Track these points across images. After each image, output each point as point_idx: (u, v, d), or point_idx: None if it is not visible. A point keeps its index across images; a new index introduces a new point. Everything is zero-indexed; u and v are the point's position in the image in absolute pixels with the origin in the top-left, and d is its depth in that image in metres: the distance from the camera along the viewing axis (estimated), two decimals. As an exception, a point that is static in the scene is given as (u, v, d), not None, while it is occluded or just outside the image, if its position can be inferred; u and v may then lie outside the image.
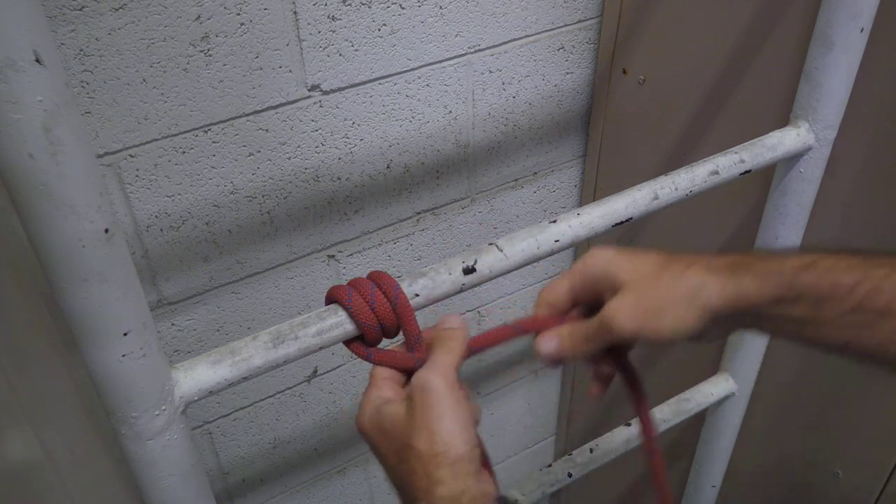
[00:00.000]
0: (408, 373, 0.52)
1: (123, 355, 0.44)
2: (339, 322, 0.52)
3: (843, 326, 0.46)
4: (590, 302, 0.53)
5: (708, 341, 0.51)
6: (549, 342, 0.53)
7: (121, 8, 0.71)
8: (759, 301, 0.47)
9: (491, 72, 0.98)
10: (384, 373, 0.52)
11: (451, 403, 0.47)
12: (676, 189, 0.65)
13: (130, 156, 0.79)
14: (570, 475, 0.89)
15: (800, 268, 0.46)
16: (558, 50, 1.03)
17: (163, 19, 0.73)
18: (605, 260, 0.51)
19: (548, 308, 0.54)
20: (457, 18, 0.91)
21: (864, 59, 0.69)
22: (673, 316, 0.48)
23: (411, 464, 0.46)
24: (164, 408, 0.48)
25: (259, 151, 0.86)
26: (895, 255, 0.45)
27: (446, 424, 0.46)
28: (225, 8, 0.76)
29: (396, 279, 0.53)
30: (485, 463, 0.50)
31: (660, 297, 0.48)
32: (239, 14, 0.77)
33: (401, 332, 0.54)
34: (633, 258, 0.50)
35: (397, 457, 0.47)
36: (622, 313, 0.49)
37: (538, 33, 0.99)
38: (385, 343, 0.54)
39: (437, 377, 0.48)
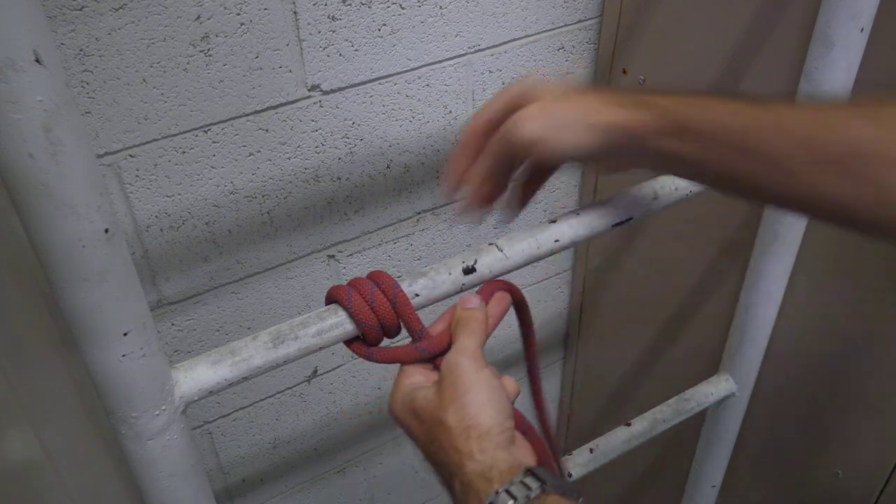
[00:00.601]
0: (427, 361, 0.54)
1: (123, 355, 0.44)
2: (339, 322, 0.52)
3: (725, 164, 0.47)
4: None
5: (608, 169, 0.54)
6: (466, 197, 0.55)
7: (121, 8, 0.71)
8: (645, 131, 0.48)
9: (491, 72, 0.98)
10: (409, 364, 0.54)
11: (477, 380, 0.49)
12: (676, 189, 0.65)
13: (130, 156, 0.79)
14: (570, 475, 0.89)
15: (691, 105, 0.47)
16: (558, 50, 1.03)
17: (163, 19, 0.73)
18: (525, 84, 0.53)
19: (474, 132, 0.55)
20: (457, 18, 0.91)
21: (864, 59, 0.69)
22: (572, 131, 0.50)
23: (442, 441, 0.47)
24: (164, 408, 0.48)
25: (259, 151, 0.86)
26: (782, 102, 0.46)
27: (473, 399, 0.48)
28: (225, 8, 0.76)
29: (396, 279, 0.53)
30: (533, 436, 0.52)
31: (562, 113, 0.50)
32: (239, 14, 0.77)
33: (401, 333, 0.54)
34: (551, 84, 0.53)
35: (429, 436, 0.48)
36: (527, 119, 0.50)
37: (538, 33, 0.99)
38: (385, 342, 0.55)
39: (464, 357, 0.50)
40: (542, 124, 0.50)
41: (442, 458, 0.47)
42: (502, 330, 1.33)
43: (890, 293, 0.81)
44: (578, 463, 0.90)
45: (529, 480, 0.44)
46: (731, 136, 0.45)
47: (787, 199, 0.47)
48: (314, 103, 0.87)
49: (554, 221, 0.61)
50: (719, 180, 0.49)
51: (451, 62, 0.94)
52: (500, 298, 0.58)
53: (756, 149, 0.45)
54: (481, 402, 0.48)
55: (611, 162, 0.54)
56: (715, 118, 0.46)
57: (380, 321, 0.52)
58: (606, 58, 1.04)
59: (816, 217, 0.49)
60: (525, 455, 0.49)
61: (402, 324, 0.53)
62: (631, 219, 0.63)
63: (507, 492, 0.43)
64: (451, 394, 0.48)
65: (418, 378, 0.53)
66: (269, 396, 1.09)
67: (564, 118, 0.50)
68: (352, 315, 0.52)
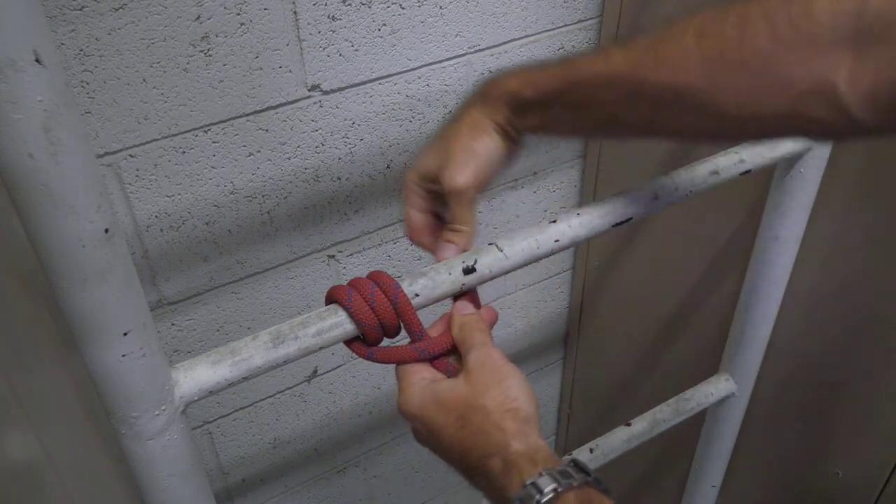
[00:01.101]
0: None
1: (123, 355, 0.44)
2: (339, 322, 0.52)
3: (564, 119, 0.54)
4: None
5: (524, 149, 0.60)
6: (450, 252, 0.58)
7: (121, 8, 0.71)
8: (530, 105, 0.54)
9: (491, 72, 0.98)
10: (412, 364, 0.54)
11: (512, 369, 0.50)
12: (676, 189, 0.65)
13: (130, 156, 0.79)
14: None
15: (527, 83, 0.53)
16: (558, 50, 1.03)
17: (163, 19, 0.73)
18: (415, 171, 0.59)
19: (414, 230, 0.62)
20: (457, 18, 0.91)
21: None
22: (481, 152, 0.56)
23: (480, 423, 0.47)
24: (164, 408, 0.48)
25: (259, 151, 0.86)
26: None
27: (513, 384, 0.49)
28: (225, 8, 0.76)
29: (396, 279, 0.53)
30: None
31: (462, 144, 0.56)
32: (239, 14, 0.77)
33: (401, 333, 0.54)
34: (426, 152, 0.58)
35: (461, 421, 0.48)
36: (454, 177, 0.55)
37: (538, 33, 0.99)
38: (385, 342, 0.55)
39: (493, 350, 0.51)
40: (470, 174, 0.55)
41: (480, 439, 0.47)
42: (502, 329, 1.33)
43: (890, 293, 0.81)
44: (578, 463, 0.90)
45: (573, 470, 0.44)
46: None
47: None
48: (314, 103, 0.87)
49: (554, 221, 0.61)
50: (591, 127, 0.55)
51: (451, 62, 0.94)
52: (488, 309, 0.58)
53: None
54: (519, 387, 0.49)
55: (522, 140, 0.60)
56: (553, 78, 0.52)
57: (380, 321, 0.52)
58: (606, 58, 1.04)
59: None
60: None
61: (402, 324, 0.53)
62: (631, 219, 0.63)
63: (551, 475, 0.43)
64: (487, 380, 0.49)
65: (429, 374, 0.53)
66: (269, 396, 1.09)
67: (466, 153, 0.56)
68: (352, 315, 0.52)
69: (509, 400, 0.48)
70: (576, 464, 0.45)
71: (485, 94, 0.57)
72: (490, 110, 0.56)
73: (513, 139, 0.58)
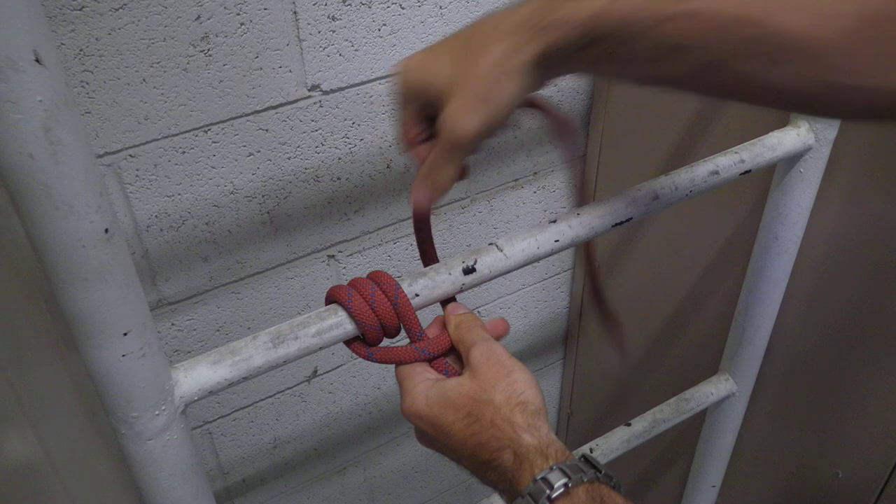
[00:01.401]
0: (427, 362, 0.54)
1: (123, 355, 0.44)
2: (339, 322, 0.52)
3: (643, 63, 0.43)
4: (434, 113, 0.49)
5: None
6: (421, 196, 0.51)
7: (121, 8, 0.71)
8: (566, 48, 0.44)
9: None
10: (413, 364, 0.54)
11: (516, 362, 0.50)
12: (676, 189, 0.65)
13: (130, 156, 0.79)
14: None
15: (603, 8, 0.42)
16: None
17: (163, 19, 0.73)
18: (416, 73, 0.48)
19: (408, 142, 0.52)
20: (457, 18, 0.91)
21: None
22: (502, 93, 0.46)
23: (490, 418, 0.47)
24: (164, 408, 0.48)
25: (259, 151, 0.86)
26: None
27: (519, 377, 0.49)
28: (225, 8, 0.76)
29: (396, 279, 0.53)
30: None
31: (480, 83, 0.45)
32: (239, 14, 0.77)
33: (401, 332, 0.54)
34: (438, 57, 0.47)
35: (470, 418, 0.48)
36: (459, 119, 0.46)
37: (538, 33, 0.99)
38: (384, 342, 0.55)
39: (495, 344, 0.51)
40: (475, 113, 0.46)
41: (491, 434, 0.47)
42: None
43: (890, 293, 0.81)
44: (578, 463, 0.90)
45: (584, 465, 0.44)
46: (648, 32, 0.41)
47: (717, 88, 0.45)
48: (314, 103, 0.87)
49: (554, 221, 0.61)
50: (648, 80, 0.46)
51: (451, 62, 0.94)
52: (501, 322, 0.58)
53: (679, 45, 0.41)
54: (526, 381, 0.49)
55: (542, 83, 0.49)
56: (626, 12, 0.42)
57: (380, 321, 0.52)
58: (606, 58, 1.04)
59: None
60: None
61: (402, 325, 0.53)
62: (631, 219, 0.63)
63: (562, 469, 0.43)
64: (494, 375, 0.49)
65: (432, 374, 0.53)
66: (269, 396, 1.09)
67: (487, 87, 0.45)
68: (352, 315, 0.52)
69: (517, 393, 0.48)
70: (587, 459, 0.45)
71: (536, 19, 0.44)
72: (535, 46, 0.44)
73: (542, 84, 0.48)
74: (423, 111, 0.50)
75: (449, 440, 0.49)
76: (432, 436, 0.51)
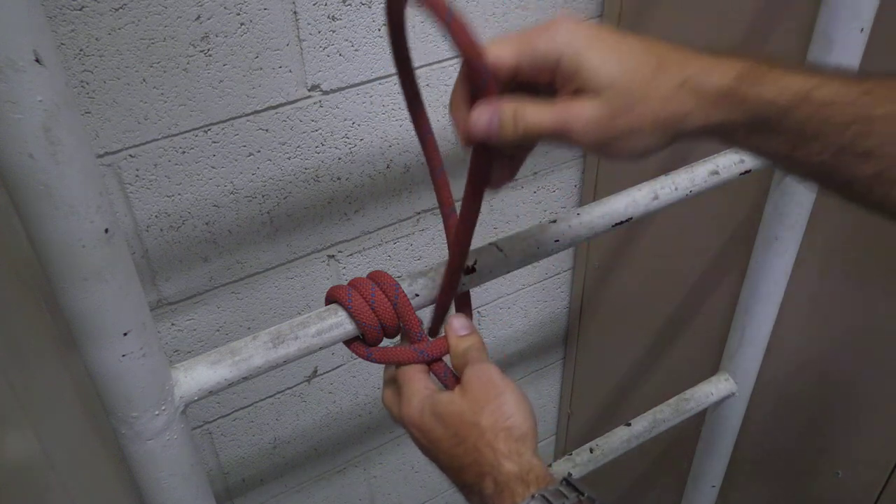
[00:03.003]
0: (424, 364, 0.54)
1: (123, 355, 0.44)
2: (339, 322, 0.52)
3: (821, 164, 0.40)
4: (531, 82, 0.42)
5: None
6: (484, 116, 0.41)
7: (121, 8, 0.71)
8: (737, 129, 0.41)
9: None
10: (414, 368, 0.53)
11: (508, 385, 0.49)
12: (676, 189, 0.65)
13: (130, 156, 0.79)
14: (570, 475, 0.89)
15: (792, 101, 0.39)
16: (558, 50, 1.02)
17: (163, 19, 0.73)
18: (579, 44, 0.40)
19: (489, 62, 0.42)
20: (457, 18, 0.91)
21: (864, 59, 0.69)
22: (646, 140, 0.41)
23: (474, 441, 0.47)
24: (164, 408, 0.48)
25: (259, 151, 0.86)
26: None
27: (507, 400, 0.48)
28: (225, 8, 0.76)
29: (396, 279, 0.53)
30: None
31: (641, 118, 0.40)
32: (239, 14, 0.77)
33: (401, 333, 0.54)
34: (617, 54, 0.40)
35: (456, 438, 0.48)
36: (592, 125, 0.40)
37: (538, 33, 0.99)
38: (384, 343, 0.55)
39: (491, 366, 0.50)
40: (605, 135, 0.40)
41: (473, 458, 0.47)
42: (502, 330, 1.33)
43: (890, 293, 0.81)
44: (578, 463, 0.90)
45: (566, 489, 0.44)
46: (829, 130, 0.39)
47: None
48: (314, 103, 0.87)
49: (554, 221, 0.61)
50: (820, 176, 0.42)
51: (451, 62, 0.94)
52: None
53: (869, 150, 0.39)
54: (515, 404, 0.48)
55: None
56: (807, 108, 0.39)
57: (380, 321, 0.52)
58: (606, 58, 1.04)
59: None
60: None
61: (402, 325, 0.53)
62: (631, 219, 0.63)
63: (544, 496, 0.43)
64: (483, 396, 0.48)
65: (429, 384, 0.53)
66: (269, 396, 1.09)
67: (639, 128, 0.40)
68: (352, 315, 0.52)
69: (504, 418, 0.47)
70: (568, 483, 0.45)
71: (734, 90, 0.40)
72: (716, 117, 0.40)
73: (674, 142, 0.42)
74: (530, 70, 0.41)
75: (437, 454, 0.50)
76: (424, 445, 0.51)
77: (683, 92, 0.40)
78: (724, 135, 0.42)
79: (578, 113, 0.40)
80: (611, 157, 0.41)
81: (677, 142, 0.42)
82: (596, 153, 0.43)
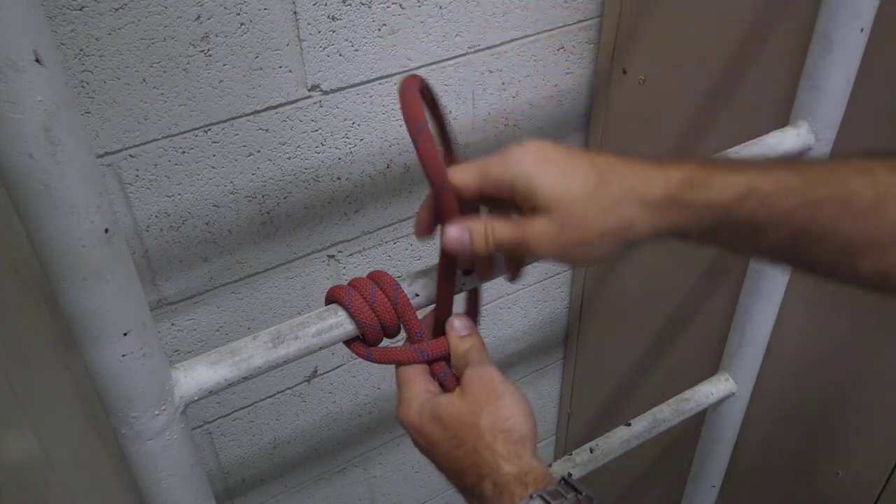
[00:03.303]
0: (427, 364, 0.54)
1: (123, 355, 0.44)
2: (339, 322, 0.52)
3: (781, 251, 0.44)
4: (496, 199, 0.47)
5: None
6: (457, 233, 0.47)
7: (121, 8, 0.71)
8: (691, 234, 0.44)
9: (491, 72, 0.98)
10: (414, 370, 0.53)
11: (508, 387, 0.49)
12: (676, 189, 0.65)
13: (130, 156, 0.79)
14: (570, 475, 0.89)
15: (736, 199, 0.43)
16: (558, 50, 1.03)
17: (163, 19, 0.73)
18: (527, 168, 0.44)
19: (451, 184, 0.48)
20: (457, 18, 0.91)
21: (864, 59, 0.69)
22: (598, 249, 0.45)
23: (473, 443, 0.47)
24: (164, 408, 0.48)
25: (259, 151, 0.86)
26: (847, 164, 0.43)
27: (507, 403, 0.48)
28: (225, 8, 0.76)
29: (396, 279, 0.53)
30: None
31: (586, 230, 0.44)
32: (239, 14, 0.77)
33: (401, 333, 0.54)
34: (561, 174, 0.44)
35: (455, 440, 0.48)
36: (544, 243, 0.44)
37: (538, 33, 0.99)
38: (384, 343, 0.55)
39: (491, 367, 0.50)
40: (561, 247, 0.44)
41: (472, 460, 0.47)
42: (503, 330, 1.33)
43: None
44: (578, 463, 0.90)
45: (564, 489, 0.44)
46: (778, 219, 0.42)
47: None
48: (314, 103, 0.87)
49: (554, 221, 0.60)
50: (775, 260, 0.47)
51: (451, 62, 0.94)
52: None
53: (822, 231, 0.42)
54: (514, 407, 0.48)
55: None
56: (752, 202, 0.42)
57: (380, 321, 0.52)
58: (606, 58, 1.04)
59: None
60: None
61: (402, 325, 0.53)
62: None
63: (542, 497, 0.43)
64: (482, 398, 0.48)
65: (429, 386, 0.53)
66: (269, 396, 1.09)
67: (590, 238, 0.44)
68: (352, 315, 0.52)
69: (502, 420, 0.47)
70: (567, 482, 0.45)
71: (677, 195, 0.43)
72: (663, 224, 0.44)
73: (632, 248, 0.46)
74: (492, 190, 0.46)
75: (437, 456, 0.50)
76: (424, 447, 0.51)
77: (627, 202, 0.44)
78: (679, 236, 0.45)
79: (532, 230, 0.45)
80: (571, 265, 0.46)
81: (636, 247, 0.45)
82: (557, 262, 0.47)
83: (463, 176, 0.47)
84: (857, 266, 0.42)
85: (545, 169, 0.44)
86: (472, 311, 0.59)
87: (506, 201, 0.46)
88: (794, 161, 0.47)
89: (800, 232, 0.42)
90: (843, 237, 0.42)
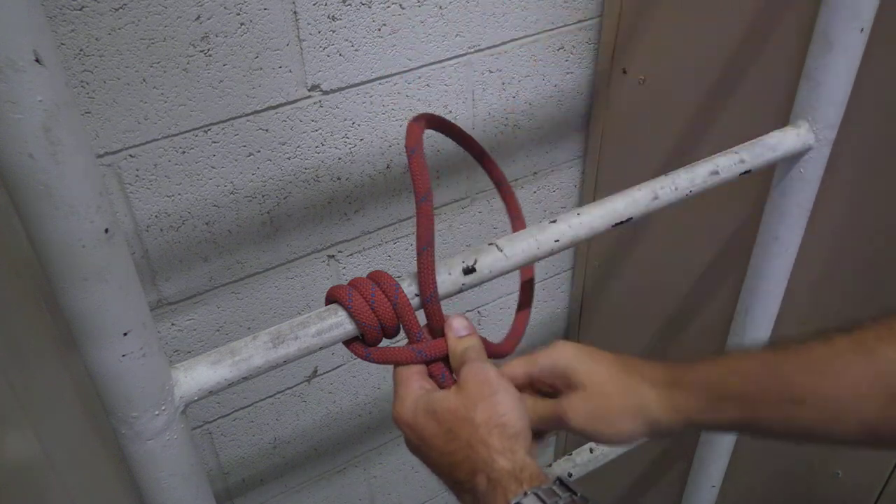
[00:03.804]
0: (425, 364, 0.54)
1: (123, 355, 0.44)
2: (338, 322, 0.52)
3: (771, 420, 0.50)
4: (543, 387, 0.57)
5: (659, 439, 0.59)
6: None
7: (121, 8, 0.71)
8: (692, 410, 0.52)
9: (491, 72, 0.98)
10: (411, 370, 0.54)
11: (504, 384, 0.50)
12: (676, 189, 0.65)
13: (130, 156, 0.79)
14: (570, 475, 0.89)
15: (724, 375, 0.52)
16: (558, 50, 1.03)
17: (163, 19, 0.73)
18: (566, 359, 0.55)
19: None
20: (457, 18, 0.91)
21: (864, 59, 0.69)
22: (620, 426, 0.53)
23: (467, 438, 0.47)
24: (164, 408, 0.48)
25: (259, 151, 0.86)
26: (814, 341, 0.50)
27: (502, 399, 0.49)
28: (225, 8, 0.76)
29: (396, 279, 0.53)
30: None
31: (610, 408, 0.53)
32: (239, 14, 0.77)
33: (401, 333, 0.54)
34: (591, 362, 0.55)
35: (449, 434, 0.48)
36: (577, 414, 0.53)
37: (538, 33, 0.99)
38: (383, 343, 0.55)
39: (488, 365, 0.51)
40: (590, 422, 0.53)
41: (466, 454, 0.47)
42: (503, 330, 1.33)
43: (890, 292, 0.81)
44: (578, 463, 0.90)
45: (559, 489, 0.44)
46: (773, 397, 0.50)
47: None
48: (314, 103, 0.87)
49: (554, 221, 0.61)
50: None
51: (451, 62, 0.94)
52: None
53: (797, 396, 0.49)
54: (510, 403, 0.49)
55: (661, 437, 0.58)
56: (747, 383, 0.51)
57: (380, 322, 0.52)
58: (606, 58, 1.04)
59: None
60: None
61: (402, 325, 0.53)
62: (631, 219, 0.63)
63: (537, 495, 0.43)
64: (478, 393, 0.49)
65: (425, 384, 0.53)
66: (269, 396, 1.09)
67: (613, 414, 0.53)
68: (352, 315, 0.52)
69: (497, 415, 0.47)
70: (562, 482, 0.45)
71: (669, 379, 0.54)
72: (661, 396, 0.54)
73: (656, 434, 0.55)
74: (538, 379, 0.56)
75: (430, 452, 0.50)
76: (416, 444, 0.51)
77: (643, 386, 0.54)
78: (684, 418, 0.53)
79: (568, 403, 0.54)
80: (599, 440, 0.54)
81: (662, 432, 0.54)
82: (587, 435, 0.54)
83: (513, 369, 0.56)
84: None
85: (581, 356, 0.55)
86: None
87: (544, 386, 0.56)
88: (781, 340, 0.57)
89: (777, 399, 0.50)
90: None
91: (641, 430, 0.54)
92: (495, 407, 0.48)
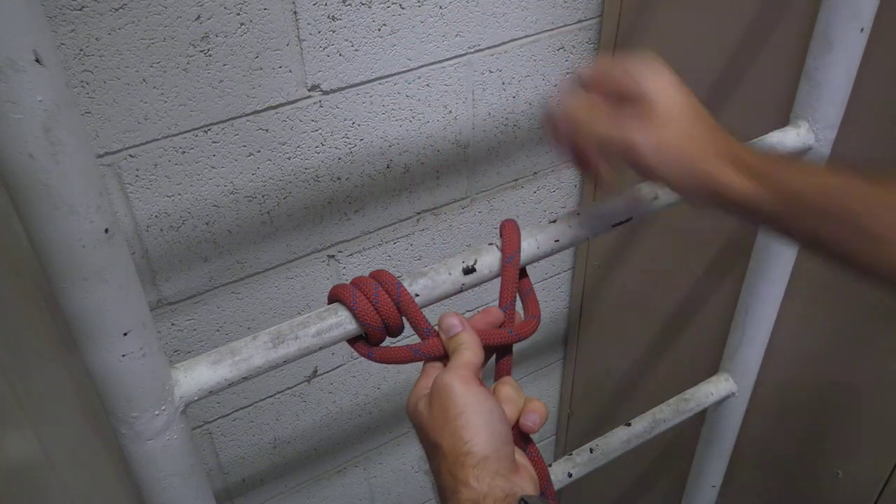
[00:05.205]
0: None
1: (123, 355, 0.44)
2: (339, 322, 0.52)
3: (840, 243, 0.48)
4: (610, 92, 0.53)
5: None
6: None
7: (121, 8, 0.71)
8: (756, 204, 0.49)
9: (491, 72, 0.98)
10: (435, 364, 0.53)
11: (468, 402, 0.47)
12: (676, 189, 0.65)
13: (130, 156, 0.79)
14: (570, 475, 0.89)
15: (801, 175, 0.48)
16: (558, 50, 1.03)
17: (163, 19, 0.73)
18: (650, 76, 0.51)
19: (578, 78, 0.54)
20: (457, 18, 0.91)
21: (864, 59, 0.69)
22: (681, 178, 0.50)
23: (437, 465, 0.47)
24: (164, 408, 0.48)
25: (259, 151, 0.86)
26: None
27: (466, 422, 0.47)
28: (225, 8, 0.76)
29: (398, 278, 0.53)
30: (534, 452, 0.51)
31: (677, 152, 0.50)
32: (239, 14, 0.77)
33: (401, 333, 0.54)
34: (673, 84, 0.52)
35: (431, 453, 0.49)
36: (642, 147, 0.50)
37: (538, 33, 0.99)
38: (386, 342, 0.55)
39: (453, 377, 0.49)
40: (655, 158, 0.50)
41: (439, 480, 0.48)
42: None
43: (890, 292, 0.81)
44: (578, 463, 0.90)
45: None
46: (848, 218, 0.46)
47: None
48: (314, 103, 0.87)
49: (554, 221, 0.61)
50: (830, 255, 0.50)
51: (451, 62, 0.94)
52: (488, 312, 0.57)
53: (877, 234, 0.46)
54: (475, 425, 0.47)
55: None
56: (829, 197, 0.47)
57: (384, 321, 0.52)
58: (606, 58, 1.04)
59: None
60: (526, 481, 0.48)
61: (408, 323, 0.53)
62: (631, 219, 0.63)
63: None
64: (443, 416, 0.48)
65: (428, 383, 0.53)
66: (269, 396, 1.09)
67: (678, 160, 0.50)
68: (357, 315, 0.52)
69: (462, 442, 0.46)
70: (526, 502, 0.44)
71: (733, 155, 0.50)
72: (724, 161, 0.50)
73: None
74: (611, 84, 0.52)
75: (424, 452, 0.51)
76: (420, 438, 0.51)
77: (710, 143, 0.50)
78: (751, 210, 0.49)
79: (646, 135, 0.50)
80: (662, 184, 0.51)
81: (713, 196, 0.50)
82: (649, 177, 0.51)
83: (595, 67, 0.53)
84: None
85: (663, 73, 0.52)
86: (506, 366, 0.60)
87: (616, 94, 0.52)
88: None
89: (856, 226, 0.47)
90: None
91: (700, 195, 0.51)
92: (459, 433, 0.46)
